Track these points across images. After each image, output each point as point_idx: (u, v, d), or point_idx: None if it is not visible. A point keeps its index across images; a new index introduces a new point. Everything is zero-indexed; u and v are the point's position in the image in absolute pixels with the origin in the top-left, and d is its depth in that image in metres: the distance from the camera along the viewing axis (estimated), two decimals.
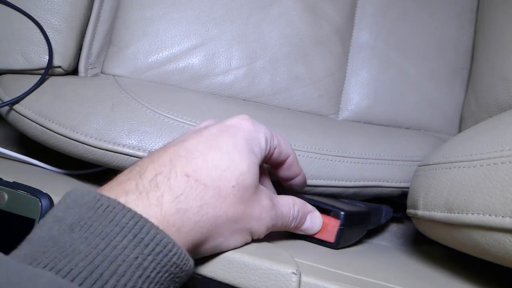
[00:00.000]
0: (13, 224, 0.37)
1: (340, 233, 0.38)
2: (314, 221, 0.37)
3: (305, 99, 0.55)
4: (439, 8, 0.59)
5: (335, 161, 0.49)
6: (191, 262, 0.26)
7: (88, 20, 0.53)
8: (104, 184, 0.28)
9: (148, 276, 0.24)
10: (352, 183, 0.49)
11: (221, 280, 0.30)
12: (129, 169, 0.28)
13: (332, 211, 0.38)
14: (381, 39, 0.58)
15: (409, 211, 0.41)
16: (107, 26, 0.54)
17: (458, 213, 0.29)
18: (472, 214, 0.28)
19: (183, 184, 0.27)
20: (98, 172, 0.51)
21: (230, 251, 0.31)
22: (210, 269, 0.30)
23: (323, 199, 0.41)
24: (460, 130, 0.57)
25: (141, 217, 0.24)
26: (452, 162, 0.34)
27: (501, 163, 0.28)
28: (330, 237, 0.38)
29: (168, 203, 0.26)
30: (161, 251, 0.24)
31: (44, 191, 0.37)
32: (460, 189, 0.30)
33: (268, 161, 0.36)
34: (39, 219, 0.36)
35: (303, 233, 0.37)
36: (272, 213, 0.32)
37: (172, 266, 0.25)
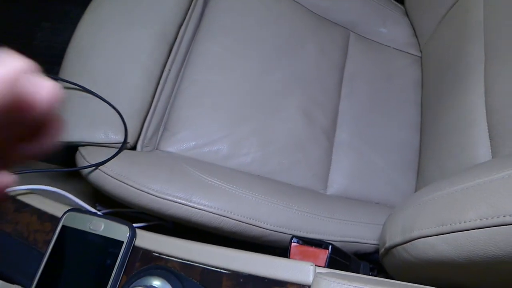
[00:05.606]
0: (106, 245, 0.52)
1: (329, 260, 0.54)
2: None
3: (302, 178, 0.75)
4: (395, 117, 0.83)
5: (326, 221, 0.67)
6: None
7: (147, 112, 0.73)
8: None
9: None
10: (338, 238, 0.67)
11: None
12: None
13: (324, 244, 0.55)
14: (356, 138, 0.80)
15: (381, 251, 0.59)
16: (159, 117, 0.75)
17: (410, 232, 0.47)
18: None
19: None
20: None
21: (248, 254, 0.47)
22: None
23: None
24: None
25: None
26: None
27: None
28: (321, 263, 0.54)
29: None
30: None
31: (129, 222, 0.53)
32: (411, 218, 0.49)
33: None
34: (127, 242, 0.52)
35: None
36: None
37: None
